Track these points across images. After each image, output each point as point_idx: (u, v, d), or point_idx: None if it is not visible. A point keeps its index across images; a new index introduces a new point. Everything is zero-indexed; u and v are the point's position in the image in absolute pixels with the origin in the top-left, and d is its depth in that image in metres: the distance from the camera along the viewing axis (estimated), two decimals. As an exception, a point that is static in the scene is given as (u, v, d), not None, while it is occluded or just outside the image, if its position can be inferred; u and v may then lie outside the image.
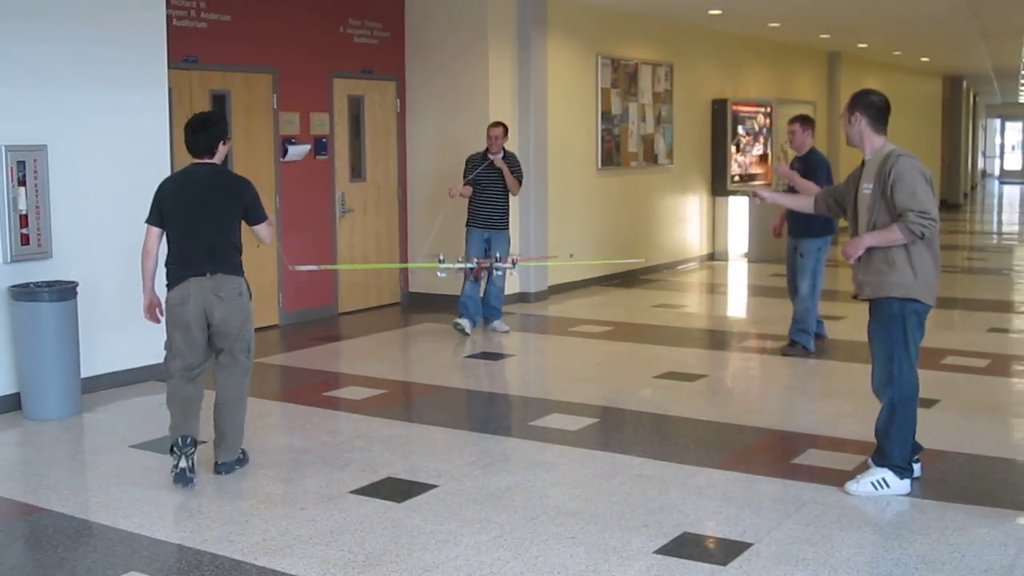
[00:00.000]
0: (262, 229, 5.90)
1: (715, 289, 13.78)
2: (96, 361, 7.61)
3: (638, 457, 6.08)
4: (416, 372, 8.76)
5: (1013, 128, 48.40)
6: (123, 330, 7.81)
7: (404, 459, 6.15)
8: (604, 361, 8.90)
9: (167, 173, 7.78)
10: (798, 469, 5.83)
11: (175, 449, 5.62)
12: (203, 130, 5.76)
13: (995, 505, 5.24)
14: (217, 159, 5.85)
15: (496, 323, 9.99)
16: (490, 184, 9.77)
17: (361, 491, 5.51)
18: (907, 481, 5.37)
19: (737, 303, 13.19)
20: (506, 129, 9.86)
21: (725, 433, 6.65)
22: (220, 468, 5.79)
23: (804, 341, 8.88)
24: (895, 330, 5.31)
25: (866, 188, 5.37)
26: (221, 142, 5.83)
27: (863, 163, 5.49)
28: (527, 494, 5.47)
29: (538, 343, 10.01)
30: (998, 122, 47.90)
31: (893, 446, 5.35)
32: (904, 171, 5.21)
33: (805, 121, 8.97)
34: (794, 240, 8.83)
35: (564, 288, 12.44)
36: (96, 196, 7.66)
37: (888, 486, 5.34)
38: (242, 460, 5.90)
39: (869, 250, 5.32)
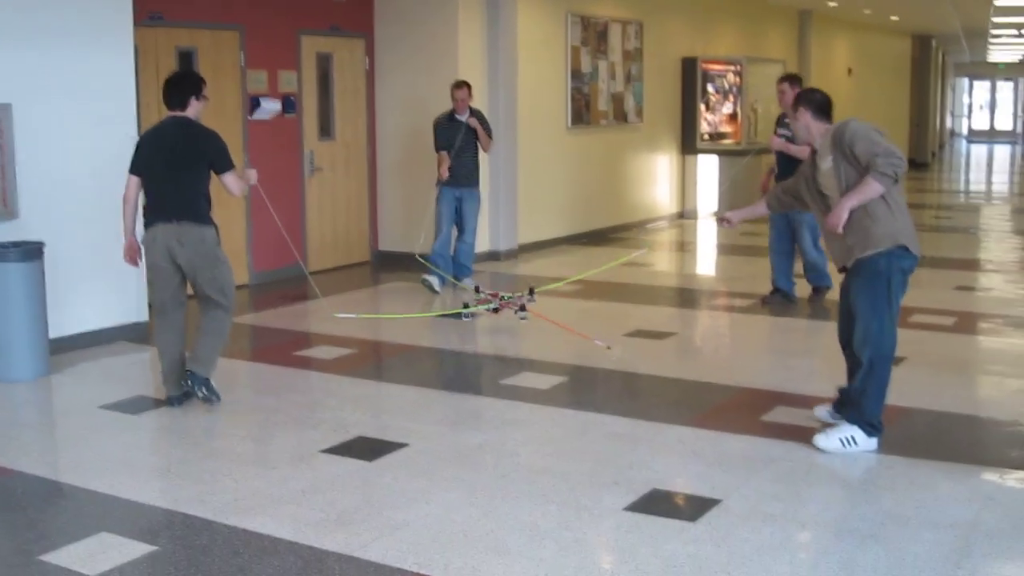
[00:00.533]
0: (229, 179, 6.21)
1: (684, 247, 13.81)
2: (64, 322, 7.55)
3: (608, 415, 6.11)
4: (386, 331, 8.75)
5: (981, 87, 48.60)
6: (91, 290, 7.76)
7: (375, 418, 6.16)
8: (574, 320, 8.91)
9: (134, 132, 7.74)
10: (767, 426, 5.88)
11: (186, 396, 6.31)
12: (176, 85, 6.24)
13: (960, 461, 5.32)
14: (190, 113, 6.20)
15: (466, 281, 9.97)
16: (462, 144, 9.72)
17: (332, 450, 5.52)
18: (875, 440, 5.43)
19: (706, 261, 13.23)
20: (470, 88, 9.80)
21: (695, 391, 6.69)
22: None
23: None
24: (879, 286, 5.33)
25: (826, 164, 5.43)
26: (194, 97, 6.20)
27: (814, 151, 5.60)
28: (498, 452, 5.49)
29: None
30: (966, 81, 48.12)
31: (869, 402, 5.40)
32: (856, 128, 5.33)
33: (794, 80, 8.96)
34: None
35: (534, 247, 12.44)
36: (62, 155, 7.56)
37: (856, 444, 5.40)
38: (210, 394, 6.19)
39: (850, 213, 5.35)
